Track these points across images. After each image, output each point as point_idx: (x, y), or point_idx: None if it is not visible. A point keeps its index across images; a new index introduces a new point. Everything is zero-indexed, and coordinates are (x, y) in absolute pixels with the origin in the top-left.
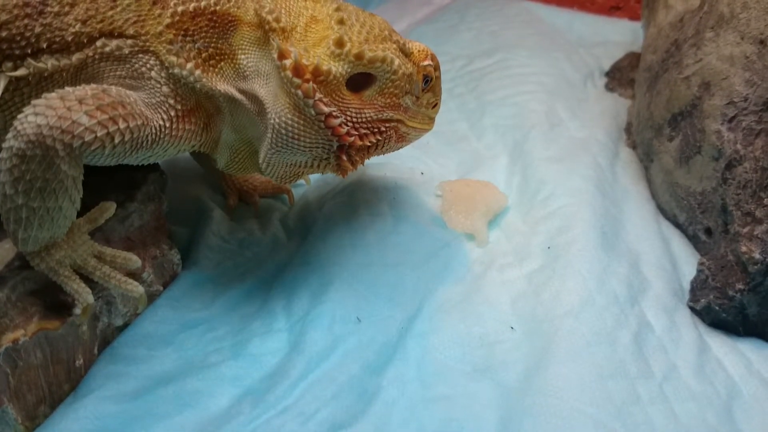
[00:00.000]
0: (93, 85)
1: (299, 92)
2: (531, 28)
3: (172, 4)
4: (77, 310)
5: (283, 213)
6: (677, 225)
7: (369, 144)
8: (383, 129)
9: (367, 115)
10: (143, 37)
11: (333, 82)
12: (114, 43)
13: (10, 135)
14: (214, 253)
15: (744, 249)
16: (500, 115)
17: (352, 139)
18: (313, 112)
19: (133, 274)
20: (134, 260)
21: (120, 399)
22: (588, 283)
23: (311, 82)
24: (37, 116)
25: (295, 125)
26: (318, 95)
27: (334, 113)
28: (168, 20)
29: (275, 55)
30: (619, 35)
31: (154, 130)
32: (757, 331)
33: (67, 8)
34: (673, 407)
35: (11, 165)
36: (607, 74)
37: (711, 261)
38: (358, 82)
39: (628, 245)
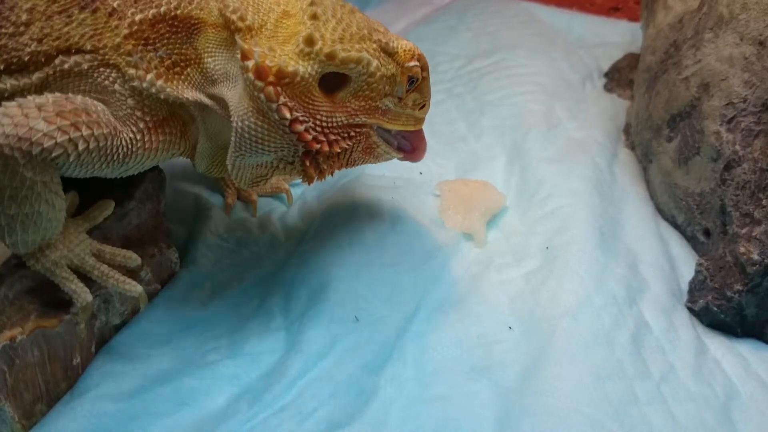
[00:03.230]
0: (57, 94)
1: (261, 96)
2: (530, 28)
3: (129, 13)
4: (76, 309)
5: (282, 212)
6: (676, 226)
7: (338, 150)
8: (354, 134)
9: (339, 119)
10: (101, 51)
11: (301, 84)
12: (72, 59)
13: None
14: (212, 252)
15: (742, 250)
16: (499, 115)
17: (319, 145)
18: (276, 117)
19: (132, 273)
20: (134, 258)
21: (117, 397)
22: (586, 283)
23: (275, 85)
24: None
25: (259, 129)
26: (282, 99)
27: (300, 118)
28: (126, 31)
29: (239, 56)
30: (618, 36)
31: (124, 143)
32: (756, 332)
33: (22, 28)
34: (671, 408)
35: None
36: (606, 75)
37: (709, 262)
38: (332, 82)
39: (626, 246)
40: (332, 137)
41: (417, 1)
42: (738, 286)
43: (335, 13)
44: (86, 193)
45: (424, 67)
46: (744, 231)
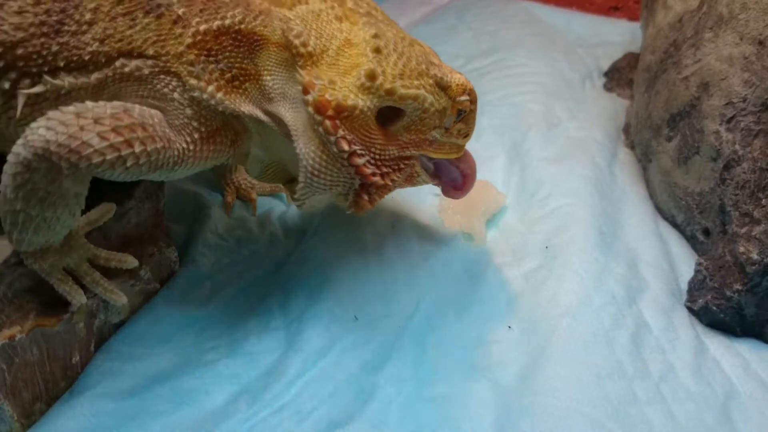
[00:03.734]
0: (116, 103)
1: (321, 129)
2: (530, 28)
3: (194, 22)
4: (74, 308)
5: (281, 211)
6: (675, 225)
7: (389, 183)
8: (402, 166)
9: (391, 152)
10: (164, 57)
11: (359, 117)
12: (133, 63)
13: (19, 141)
14: (211, 251)
15: (742, 249)
16: (498, 115)
17: (376, 178)
18: (335, 149)
19: (131, 272)
20: (129, 261)
21: (116, 396)
22: (586, 283)
23: (334, 119)
24: (48, 131)
25: (319, 160)
26: (341, 132)
27: (358, 151)
28: (189, 40)
29: (299, 79)
30: (618, 35)
31: (176, 153)
32: (755, 331)
33: (84, 27)
34: (671, 407)
35: (15, 171)
36: (606, 74)
37: (709, 261)
38: (386, 115)
39: (626, 245)
40: (385, 170)
41: (416, 0)
42: (737, 286)
43: (396, 47)
44: None
45: (473, 101)
46: (743, 230)
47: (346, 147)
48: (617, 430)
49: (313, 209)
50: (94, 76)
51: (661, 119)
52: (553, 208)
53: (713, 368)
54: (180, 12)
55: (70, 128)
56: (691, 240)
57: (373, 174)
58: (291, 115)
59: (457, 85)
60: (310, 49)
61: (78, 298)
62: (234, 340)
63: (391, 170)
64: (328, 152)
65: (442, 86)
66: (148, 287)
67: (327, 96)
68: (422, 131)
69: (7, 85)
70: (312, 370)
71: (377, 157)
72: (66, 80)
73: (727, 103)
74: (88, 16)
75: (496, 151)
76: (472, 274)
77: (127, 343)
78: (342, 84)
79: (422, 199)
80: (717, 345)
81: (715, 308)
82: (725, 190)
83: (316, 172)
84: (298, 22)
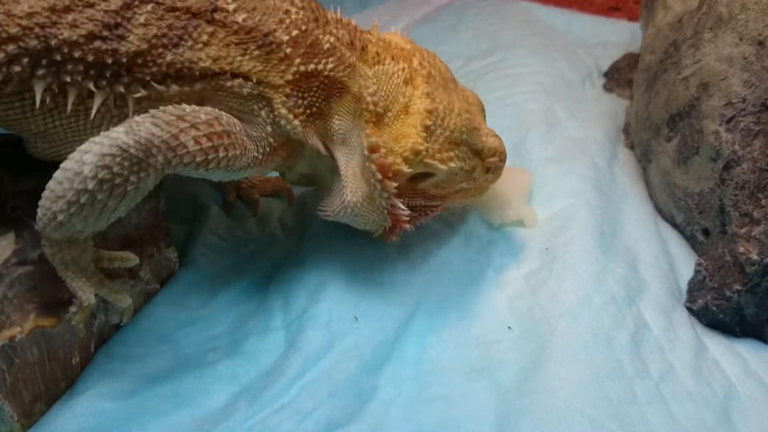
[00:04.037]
0: (208, 109)
1: (378, 186)
2: (529, 28)
3: (296, 62)
4: (74, 308)
5: (282, 211)
6: (675, 225)
7: (417, 224)
8: (429, 213)
9: (418, 202)
10: (264, 85)
11: (399, 179)
12: (236, 81)
13: (120, 129)
14: (211, 251)
15: (742, 250)
16: (498, 115)
17: (407, 226)
18: (384, 204)
19: (131, 272)
20: (132, 259)
21: (116, 397)
22: (585, 283)
23: (390, 180)
24: (155, 126)
25: (364, 207)
26: (393, 190)
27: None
28: (290, 77)
29: (365, 144)
30: (618, 36)
31: (248, 160)
32: (755, 331)
33: (200, 45)
34: (671, 407)
35: (108, 152)
36: (606, 75)
37: (708, 262)
38: (420, 174)
39: (625, 246)
40: (414, 214)
41: (417, 0)
42: (737, 286)
43: (443, 122)
44: None
45: (503, 159)
46: (743, 231)
47: (399, 203)
48: (617, 430)
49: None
50: (198, 86)
51: (661, 119)
52: (553, 209)
53: (713, 368)
54: (287, 51)
55: (173, 128)
56: (690, 240)
57: (405, 221)
58: (344, 159)
59: (490, 149)
60: (378, 109)
61: (89, 295)
62: (234, 340)
63: (418, 215)
64: (373, 201)
65: (475, 151)
66: (148, 288)
67: (389, 161)
68: (450, 187)
69: (121, 89)
70: (312, 370)
71: (406, 206)
72: (172, 88)
73: (726, 104)
74: (204, 38)
75: None
76: (472, 275)
77: (127, 343)
78: (394, 151)
79: None
80: (717, 345)
81: (714, 308)
82: (725, 190)
83: (357, 214)
84: (375, 81)
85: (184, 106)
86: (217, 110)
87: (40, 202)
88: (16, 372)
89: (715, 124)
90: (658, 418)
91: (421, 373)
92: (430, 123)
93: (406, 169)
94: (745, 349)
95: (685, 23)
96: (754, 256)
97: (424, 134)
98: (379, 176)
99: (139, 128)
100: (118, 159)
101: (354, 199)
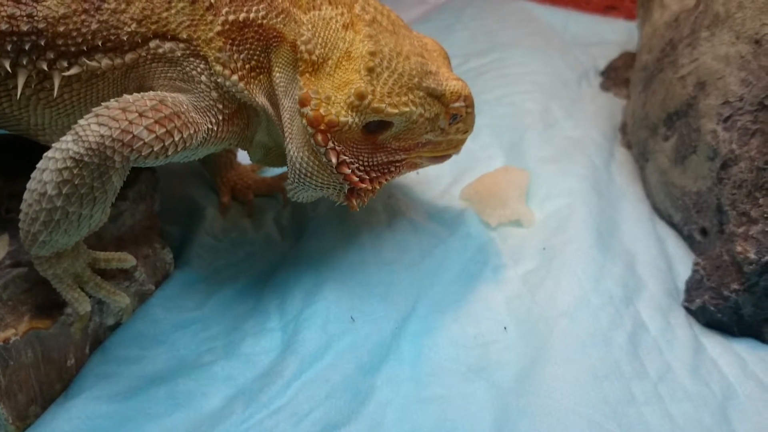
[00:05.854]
0: (151, 94)
1: (312, 141)
2: (526, 27)
3: (223, 12)
4: (68, 310)
5: (277, 212)
6: (672, 225)
7: (378, 186)
8: (393, 169)
9: (380, 158)
10: (195, 41)
11: (348, 131)
12: (167, 45)
13: (68, 138)
14: (206, 252)
15: (739, 249)
16: (495, 114)
17: (365, 184)
18: (325, 159)
19: (126, 273)
20: (129, 260)
21: (112, 399)
22: (583, 283)
23: (325, 133)
24: (101, 126)
25: (310, 165)
26: (330, 144)
27: (346, 161)
28: (218, 28)
29: (297, 96)
30: (615, 35)
31: (203, 134)
32: (752, 331)
33: (123, 5)
34: (669, 408)
35: (63, 167)
36: (603, 74)
37: (706, 261)
38: (375, 125)
39: (623, 245)
40: (374, 175)
41: None
42: (735, 286)
43: (390, 64)
44: None
45: (470, 105)
46: (741, 230)
47: (334, 159)
48: (615, 431)
49: (310, 200)
50: (129, 56)
51: (658, 118)
52: (551, 208)
53: (711, 368)
54: (212, 0)
55: (121, 123)
56: (688, 240)
57: (362, 180)
58: (288, 115)
59: (451, 93)
60: (314, 57)
61: (84, 305)
62: (230, 341)
63: (380, 174)
64: (319, 160)
65: (434, 96)
66: (143, 289)
67: (321, 111)
68: (412, 138)
69: (44, 66)
70: (308, 371)
71: (366, 164)
72: (102, 61)
73: (723, 103)
74: None
75: (493, 151)
76: (469, 275)
77: (122, 345)
78: (335, 99)
79: (419, 199)
80: (714, 345)
81: (712, 308)
82: (722, 189)
83: (307, 174)
84: (310, 27)
85: (126, 96)
86: (160, 93)
87: (20, 225)
88: (11, 374)
89: (712, 123)
90: (656, 418)
91: (419, 374)
92: (374, 62)
93: (349, 119)
94: (743, 349)
95: (682, 22)
96: (752, 256)
97: (368, 77)
98: (311, 130)
99: (86, 133)
100: (75, 171)
101: (299, 154)
